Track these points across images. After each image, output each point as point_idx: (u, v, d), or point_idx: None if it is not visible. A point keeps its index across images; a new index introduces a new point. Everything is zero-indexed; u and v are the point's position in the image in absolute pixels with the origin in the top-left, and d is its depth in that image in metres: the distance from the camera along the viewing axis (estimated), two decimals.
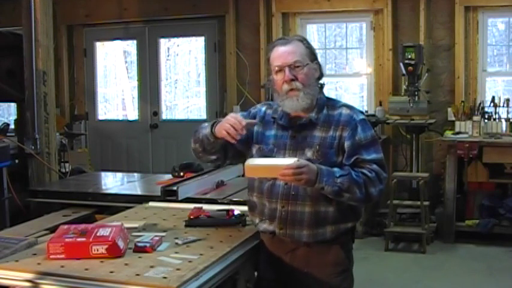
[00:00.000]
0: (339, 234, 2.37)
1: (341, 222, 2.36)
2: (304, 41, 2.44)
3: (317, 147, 2.32)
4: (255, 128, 2.48)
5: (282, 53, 2.37)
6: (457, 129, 5.67)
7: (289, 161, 2.19)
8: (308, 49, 2.41)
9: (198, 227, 2.57)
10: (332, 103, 2.44)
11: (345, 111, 2.39)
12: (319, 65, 2.44)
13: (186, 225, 2.61)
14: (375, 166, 2.30)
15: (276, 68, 2.37)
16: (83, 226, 2.33)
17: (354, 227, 2.46)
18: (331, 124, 2.36)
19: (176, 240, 2.36)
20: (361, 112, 2.47)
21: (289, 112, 2.39)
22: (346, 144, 2.32)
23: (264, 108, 2.53)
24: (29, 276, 2.03)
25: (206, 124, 2.44)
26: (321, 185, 2.21)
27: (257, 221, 2.46)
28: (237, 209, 2.67)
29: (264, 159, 2.31)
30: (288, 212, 2.34)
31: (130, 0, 7.12)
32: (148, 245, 2.24)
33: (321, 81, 2.48)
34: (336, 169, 2.26)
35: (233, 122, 2.28)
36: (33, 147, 4.11)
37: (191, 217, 2.64)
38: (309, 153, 2.31)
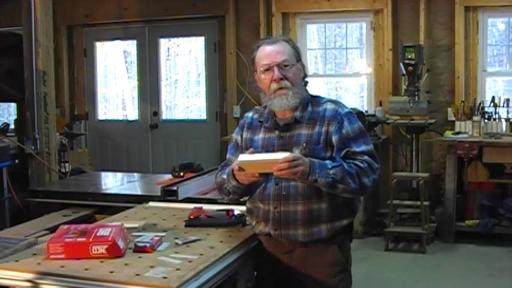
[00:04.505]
0: (335, 233, 2.36)
1: (336, 219, 2.35)
2: (290, 41, 2.45)
3: (304, 144, 2.32)
4: (243, 135, 2.50)
5: (270, 52, 2.37)
6: (457, 129, 5.67)
7: (282, 154, 2.19)
8: (294, 49, 2.42)
9: (198, 227, 2.57)
10: (316, 100, 2.45)
11: (329, 106, 2.39)
12: (303, 66, 2.46)
13: (186, 225, 2.61)
14: (366, 157, 2.31)
15: (264, 67, 2.36)
16: (83, 226, 2.33)
17: (351, 225, 2.45)
18: (317, 120, 2.37)
19: (176, 240, 2.36)
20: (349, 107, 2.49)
21: (278, 110, 2.39)
22: (334, 138, 2.32)
23: (251, 114, 2.55)
24: (29, 276, 2.03)
25: (224, 176, 2.44)
26: (314, 177, 2.21)
27: (254, 223, 2.47)
28: (237, 209, 2.67)
29: (256, 154, 2.28)
30: (280, 212, 2.34)
31: (130, 0, 7.12)
32: (148, 245, 2.24)
33: (306, 80, 2.49)
34: (327, 161, 2.27)
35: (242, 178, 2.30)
36: (33, 147, 4.11)
37: (191, 217, 2.64)
38: (296, 152, 2.30)
